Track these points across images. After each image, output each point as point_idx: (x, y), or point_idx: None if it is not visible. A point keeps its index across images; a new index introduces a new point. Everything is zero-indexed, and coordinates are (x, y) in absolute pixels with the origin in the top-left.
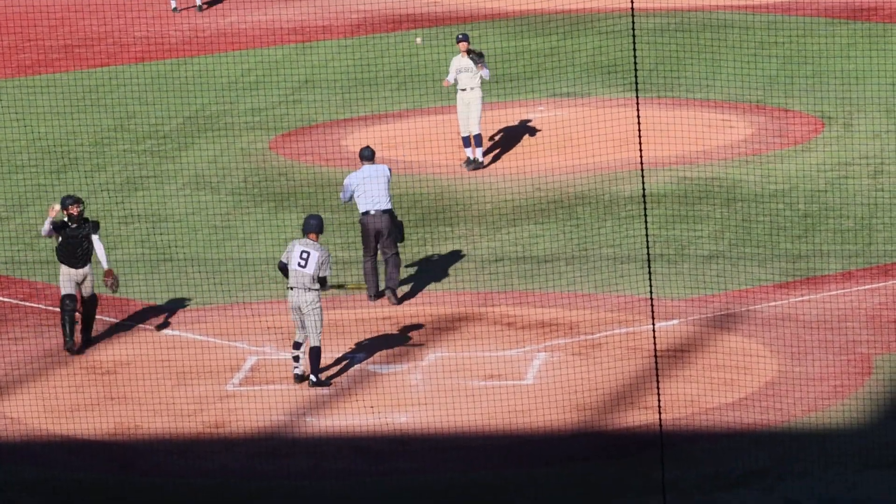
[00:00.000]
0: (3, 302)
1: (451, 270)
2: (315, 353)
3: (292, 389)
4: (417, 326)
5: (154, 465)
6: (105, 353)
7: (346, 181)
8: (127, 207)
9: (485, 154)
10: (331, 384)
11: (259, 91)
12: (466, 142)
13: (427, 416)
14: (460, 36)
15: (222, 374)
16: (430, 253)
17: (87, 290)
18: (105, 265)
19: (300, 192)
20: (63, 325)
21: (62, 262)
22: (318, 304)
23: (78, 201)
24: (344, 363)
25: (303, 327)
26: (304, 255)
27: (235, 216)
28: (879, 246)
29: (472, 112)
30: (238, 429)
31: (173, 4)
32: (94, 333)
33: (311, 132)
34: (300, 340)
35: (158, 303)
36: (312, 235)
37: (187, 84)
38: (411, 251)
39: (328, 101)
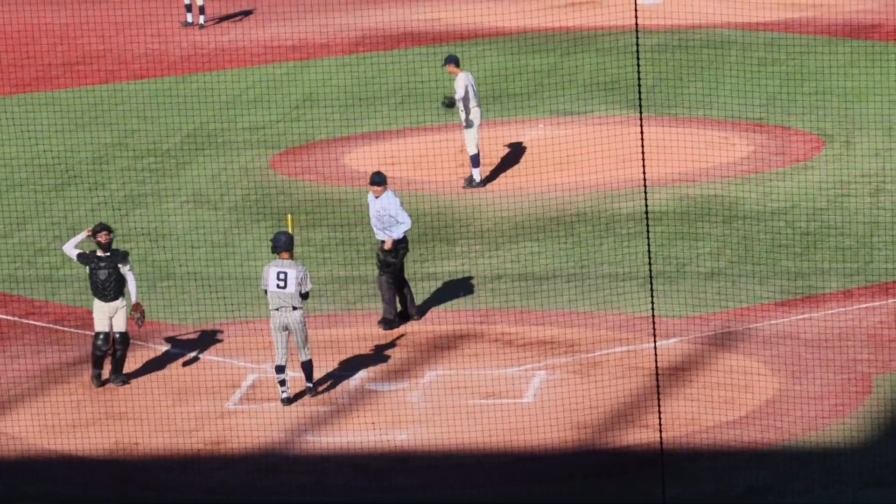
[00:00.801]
0: (3, 319)
1: (450, 288)
2: (308, 365)
3: (292, 407)
4: (417, 344)
5: (154, 482)
6: (104, 371)
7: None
8: (127, 224)
9: (482, 174)
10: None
11: (259, 108)
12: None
13: (427, 434)
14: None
15: (222, 392)
16: (429, 270)
17: (117, 326)
18: (134, 298)
19: (300, 209)
20: (92, 363)
21: (94, 295)
22: (304, 321)
23: (108, 230)
24: (343, 380)
25: (283, 347)
26: (282, 276)
27: (235, 233)
28: (880, 264)
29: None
30: (238, 446)
31: (188, 19)
32: (126, 370)
33: (312, 150)
34: (283, 363)
35: (158, 319)
36: (284, 254)
37: (188, 101)
38: (411, 268)
39: (328, 119)
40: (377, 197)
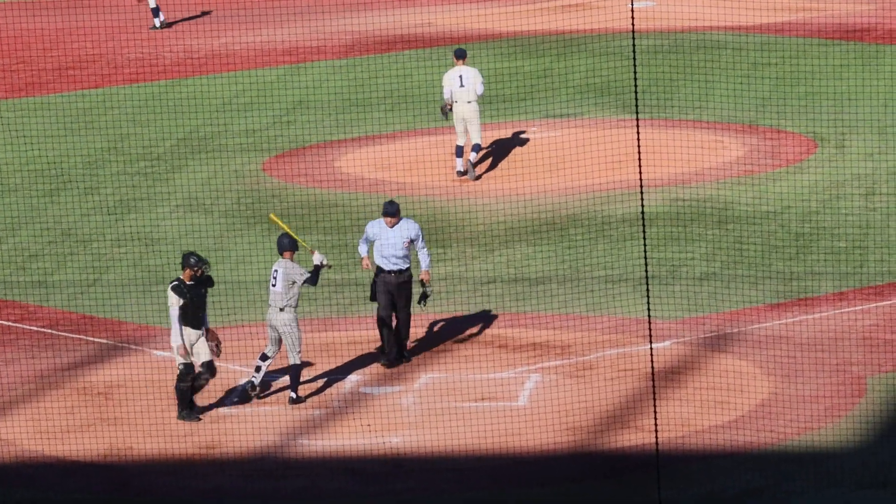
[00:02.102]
0: None
1: (443, 292)
2: (295, 370)
3: (285, 411)
4: (410, 348)
5: (148, 486)
6: (98, 375)
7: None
8: (120, 229)
9: (477, 172)
10: (304, 400)
11: (252, 112)
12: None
13: (421, 438)
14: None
15: (215, 396)
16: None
17: (205, 355)
18: (206, 324)
19: (293, 213)
20: (179, 398)
21: (186, 324)
22: (293, 324)
23: (204, 262)
24: (337, 384)
25: (276, 344)
26: (275, 274)
27: (228, 238)
28: (872, 266)
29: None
30: (232, 450)
31: (156, 24)
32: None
33: (304, 154)
34: (269, 354)
35: (151, 324)
36: (287, 254)
37: (180, 105)
38: None
39: (321, 123)
40: (392, 226)
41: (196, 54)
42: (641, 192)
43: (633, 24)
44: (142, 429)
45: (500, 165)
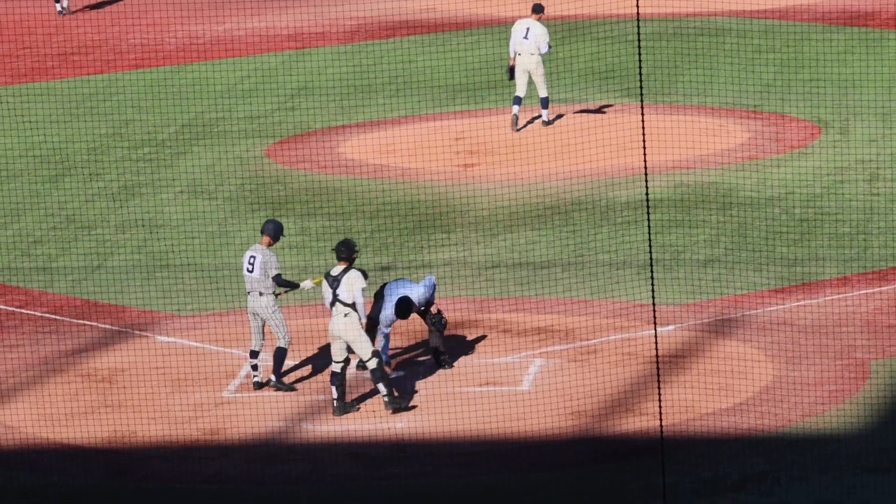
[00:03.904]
0: (0, 309)
1: (447, 277)
2: (279, 354)
3: (288, 396)
4: (413, 333)
5: (151, 471)
6: (101, 361)
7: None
8: (123, 215)
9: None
10: (295, 389)
11: (255, 98)
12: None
13: (424, 423)
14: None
15: (218, 381)
16: (426, 259)
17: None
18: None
19: (296, 199)
20: (389, 386)
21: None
22: (274, 308)
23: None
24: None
25: (259, 333)
26: (251, 260)
27: (232, 223)
28: (876, 251)
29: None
30: (235, 435)
31: (59, 7)
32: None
33: (308, 139)
34: (256, 349)
35: (155, 309)
36: (264, 239)
37: (183, 91)
38: (407, 258)
39: (324, 108)
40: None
41: (199, 40)
42: (646, 177)
43: (637, 9)
44: (145, 414)
45: (502, 150)
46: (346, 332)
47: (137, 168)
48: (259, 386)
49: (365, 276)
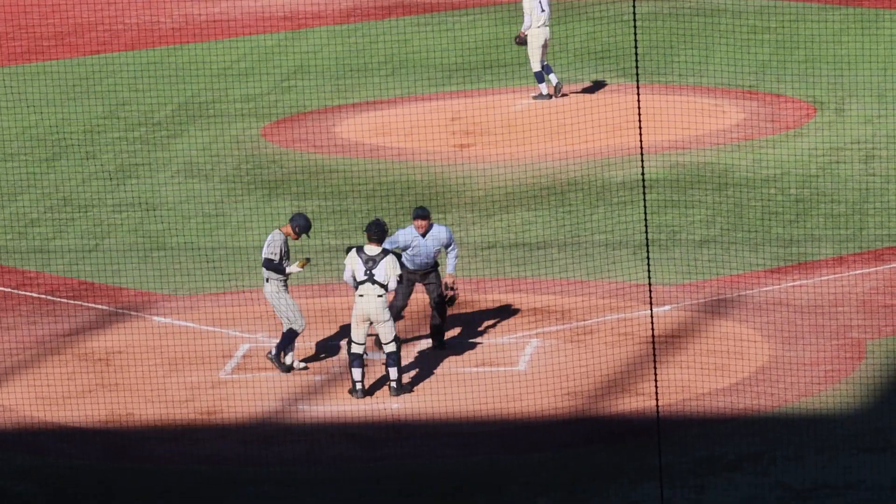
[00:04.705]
0: None
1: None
2: (288, 334)
3: (285, 377)
4: (409, 313)
5: (148, 452)
6: (98, 341)
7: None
8: (119, 195)
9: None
10: (290, 370)
11: (251, 78)
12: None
13: (420, 403)
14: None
15: (215, 362)
16: None
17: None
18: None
19: (292, 179)
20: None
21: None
22: (278, 295)
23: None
24: (336, 350)
25: (284, 317)
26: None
27: (227, 204)
28: (872, 231)
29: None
30: (231, 416)
31: None
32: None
33: (303, 119)
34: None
35: (151, 290)
36: (286, 228)
37: (179, 72)
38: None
39: (320, 89)
40: (422, 233)
41: (195, 20)
42: (642, 157)
43: None
44: (141, 395)
45: (498, 131)
46: (379, 313)
47: (133, 149)
48: (286, 368)
49: (400, 263)
